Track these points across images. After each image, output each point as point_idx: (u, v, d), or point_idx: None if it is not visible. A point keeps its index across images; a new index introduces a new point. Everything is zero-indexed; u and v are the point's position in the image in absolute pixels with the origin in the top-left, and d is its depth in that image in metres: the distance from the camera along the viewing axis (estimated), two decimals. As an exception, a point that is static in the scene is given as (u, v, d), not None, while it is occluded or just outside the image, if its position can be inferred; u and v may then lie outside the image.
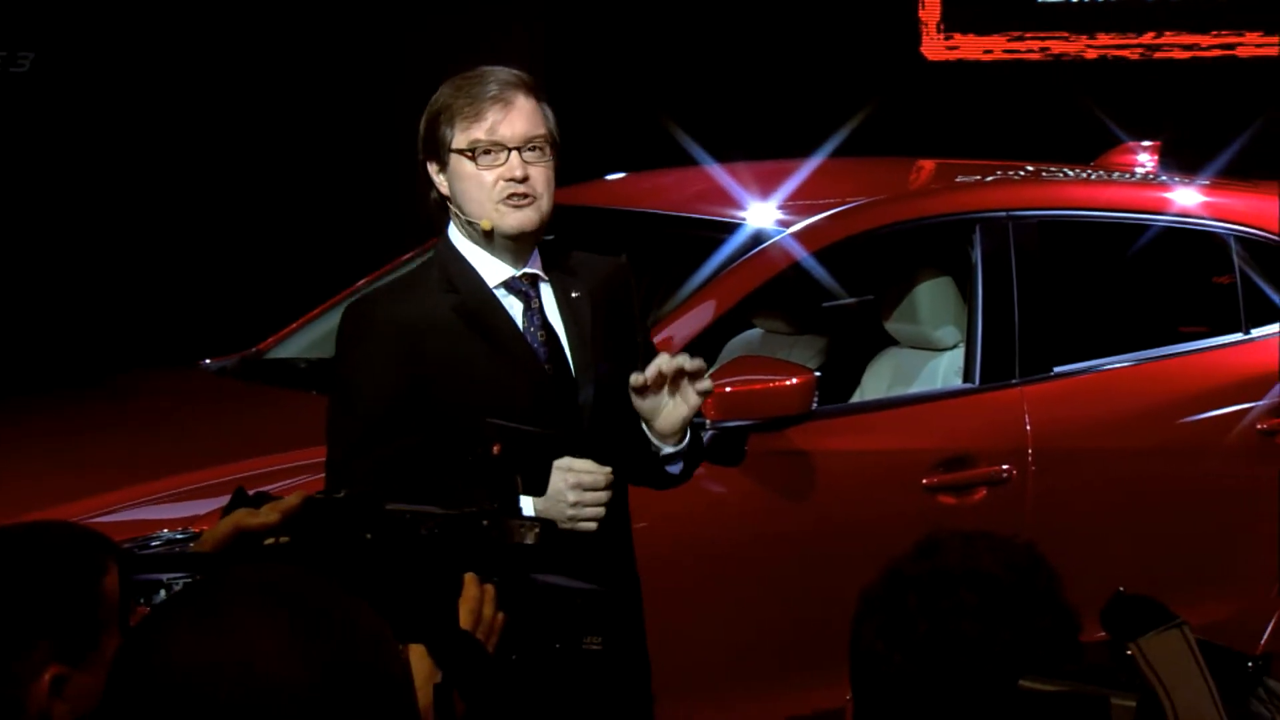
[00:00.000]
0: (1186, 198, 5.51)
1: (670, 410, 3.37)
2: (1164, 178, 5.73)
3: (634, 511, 4.82)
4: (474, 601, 2.13)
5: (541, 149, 3.42)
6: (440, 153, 3.43)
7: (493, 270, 3.45)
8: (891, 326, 5.40)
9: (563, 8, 9.38)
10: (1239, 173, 6.29)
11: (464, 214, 3.43)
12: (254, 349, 5.57)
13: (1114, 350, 5.30)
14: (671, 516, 4.74)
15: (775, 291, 5.20)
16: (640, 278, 6.12)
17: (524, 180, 3.39)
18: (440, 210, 3.50)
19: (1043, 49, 9.22)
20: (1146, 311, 5.81)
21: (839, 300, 5.96)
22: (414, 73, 8.86)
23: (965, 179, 5.75)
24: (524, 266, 3.46)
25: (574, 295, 3.49)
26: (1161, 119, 7.11)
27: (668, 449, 3.43)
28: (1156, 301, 5.88)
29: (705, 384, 3.36)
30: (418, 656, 2.10)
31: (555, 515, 3.25)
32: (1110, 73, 9.08)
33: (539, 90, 3.46)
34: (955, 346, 5.29)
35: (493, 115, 3.39)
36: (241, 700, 1.53)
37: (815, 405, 4.74)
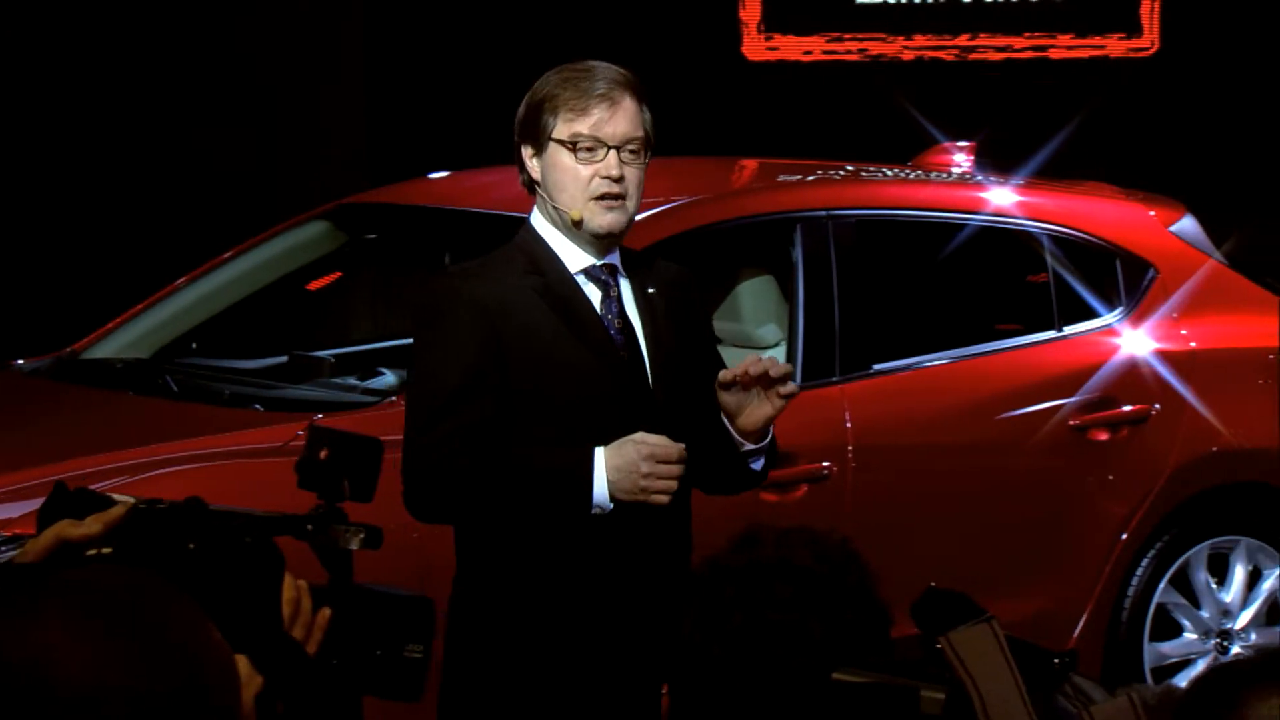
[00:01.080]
0: (1001, 197, 5.60)
1: (754, 409, 3.40)
2: (980, 178, 5.82)
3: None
4: (291, 597, 2.12)
5: (638, 151, 3.48)
6: (539, 139, 3.46)
7: (575, 258, 3.50)
8: (714, 325, 5.44)
9: (384, 3, 9.32)
10: (1053, 173, 6.41)
11: (554, 201, 3.47)
12: (69, 349, 5.47)
13: (932, 348, 5.37)
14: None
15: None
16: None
17: (619, 180, 3.44)
18: (529, 192, 3.55)
19: (861, 50, 9.32)
20: (963, 310, 5.90)
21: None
22: (234, 71, 8.75)
23: (786, 178, 5.80)
24: (604, 258, 3.51)
25: (650, 290, 3.55)
26: (977, 120, 7.22)
27: (749, 446, 3.45)
28: (973, 300, 5.97)
29: (790, 387, 3.39)
30: (241, 662, 2.08)
31: (627, 487, 3.30)
32: (927, 74, 9.21)
33: (644, 92, 3.51)
34: (777, 344, 5.34)
35: (598, 112, 3.43)
36: (31, 703, 1.50)
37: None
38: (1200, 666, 5.40)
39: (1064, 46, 9.19)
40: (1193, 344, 5.49)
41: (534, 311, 3.42)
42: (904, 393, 5.23)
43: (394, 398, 4.74)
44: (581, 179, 3.42)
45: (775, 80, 9.29)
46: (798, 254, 5.15)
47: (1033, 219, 5.53)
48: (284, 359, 5.47)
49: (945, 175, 5.87)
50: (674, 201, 5.18)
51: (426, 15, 9.30)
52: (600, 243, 3.47)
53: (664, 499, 3.31)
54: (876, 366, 5.20)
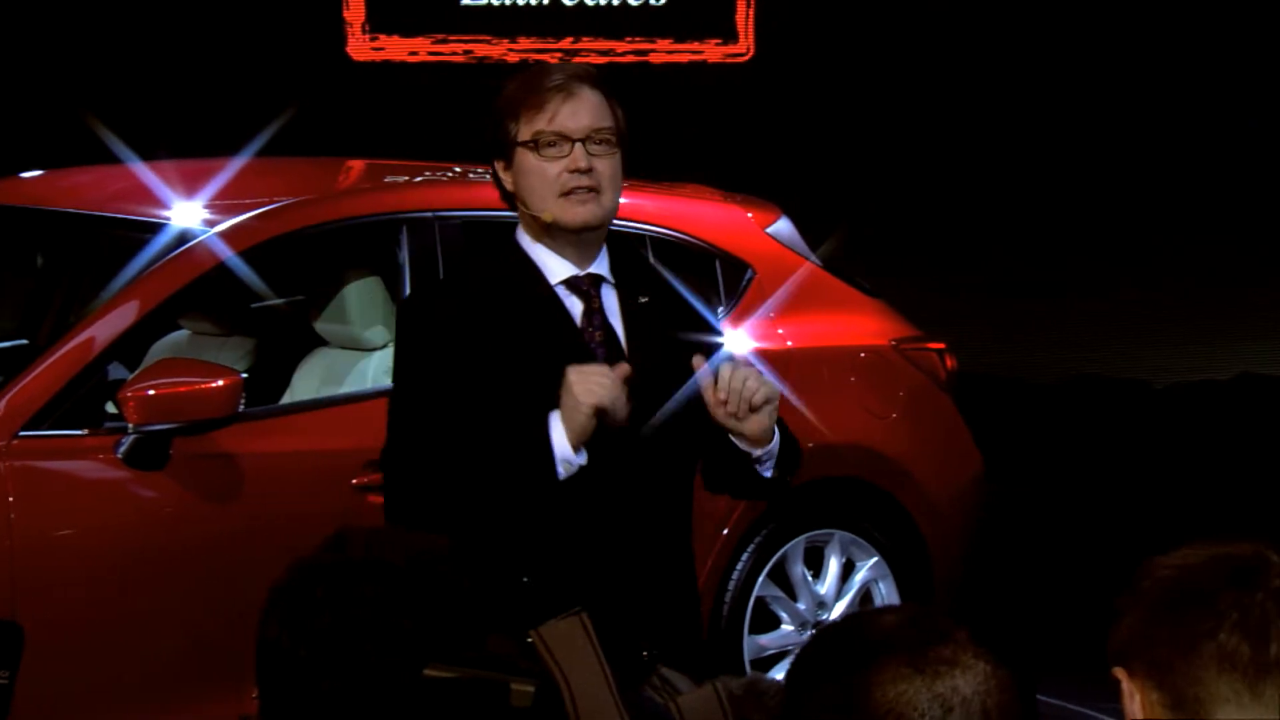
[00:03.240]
0: (605, 199, 5.66)
1: (747, 419, 3.24)
2: (584, 180, 5.86)
3: (59, 519, 4.64)
4: None
5: (608, 141, 3.32)
6: (506, 148, 3.34)
7: (556, 268, 3.35)
8: (321, 327, 5.37)
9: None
10: (654, 175, 6.51)
11: (527, 208, 3.32)
12: None
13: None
14: (97, 528, 4.59)
15: (201, 292, 5.09)
16: (60, 280, 5.92)
17: (588, 172, 3.28)
18: (510, 208, 3.40)
19: (466, 51, 9.34)
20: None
21: (267, 301, 5.89)
22: None
23: (393, 179, 5.76)
24: (589, 266, 3.37)
25: (641, 300, 3.39)
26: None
27: (756, 451, 3.29)
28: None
29: (765, 391, 3.21)
30: None
31: (570, 407, 3.17)
32: (532, 77, 9.27)
33: (605, 83, 3.34)
34: (385, 346, 5.29)
35: (555, 105, 3.29)
36: None
37: (242, 407, 4.67)
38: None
39: (664, 51, 9.36)
40: (789, 343, 5.63)
41: (510, 328, 3.30)
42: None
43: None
44: (549, 176, 3.30)
45: (381, 81, 9.24)
46: (404, 255, 5.12)
47: (633, 220, 5.59)
48: None
49: (550, 177, 5.89)
50: (278, 202, 5.10)
51: (12, 14, 8.97)
52: (579, 243, 3.34)
53: (602, 398, 3.15)
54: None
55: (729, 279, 5.66)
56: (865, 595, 5.72)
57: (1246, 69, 8.84)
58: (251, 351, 5.65)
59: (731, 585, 5.47)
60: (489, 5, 9.26)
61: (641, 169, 6.50)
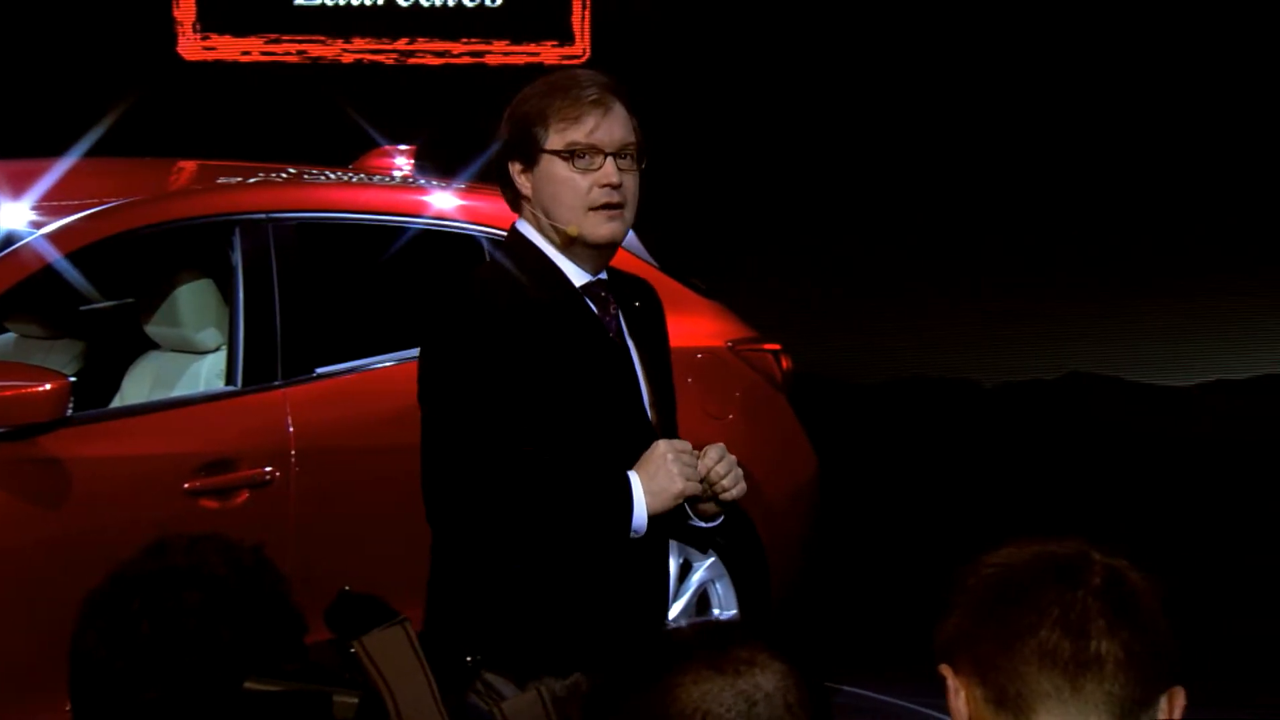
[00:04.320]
0: (443, 201, 5.65)
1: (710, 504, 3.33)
2: (421, 181, 5.85)
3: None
4: None
5: (633, 157, 3.34)
6: (529, 153, 3.32)
7: (575, 275, 3.36)
8: (152, 330, 5.31)
9: None
10: (491, 177, 6.49)
11: (549, 217, 3.30)
12: None
13: (376, 351, 5.38)
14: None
15: (28, 294, 5.01)
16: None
17: (618, 188, 3.28)
18: (514, 209, 3.35)
19: (300, 51, 9.26)
20: (407, 313, 5.91)
21: (97, 303, 5.81)
22: None
23: (226, 180, 5.70)
24: (599, 274, 3.39)
25: (635, 306, 3.41)
26: (417, 123, 7.27)
27: (697, 523, 3.35)
28: (417, 303, 5.99)
29: (734, 493, 3.30)
30: None
31: (660, 489, 3.20)
32: (367, 77, 9.22)
33: (633, 98, 3.34)
34: (217, 349, 5.24)
35: (593, 119, 3.30)
36: None
37: (70, 411, 4.61)
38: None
39: (500, 53, 9.35)
40: (627, 344, 5.66)
41: (550, 325, 3.28)
42: (348, 396, 5.22)
43: None
44: (579, 189, 3.30)
45: (213, 81, 9.13)
46: (237, 257, 5.08)
47: (474, 222, 5.59)
48: None
49: (387, 178, 5.88)
50: (108, 203, 5.03)
51: None
52: (594, 256, 3.35)
53: (697, 487, 3.25)
54: (319, 370, 5.17)
55: (566, 281, 5.67)
56: (702, 596, 5.75)
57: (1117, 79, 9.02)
58: (80, 354, 5.57)
59: (569, 587, 5.47)
60: (323, 5, 9.19)
61: (481, 171, 6.51)
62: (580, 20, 9.39)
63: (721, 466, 3.28)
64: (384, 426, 5.24)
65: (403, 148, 6.15)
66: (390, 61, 9.32)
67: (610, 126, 3.31)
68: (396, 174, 5.98)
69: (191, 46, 9.19)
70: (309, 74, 9.20)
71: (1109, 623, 1.97)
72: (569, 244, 3.33)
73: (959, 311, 9.65)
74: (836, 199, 9.40)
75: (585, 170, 3.30)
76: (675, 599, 5.69)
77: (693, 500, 3.31)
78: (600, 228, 3.31)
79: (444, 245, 5.71)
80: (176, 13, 9.12)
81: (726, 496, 3.29)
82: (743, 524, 5.69)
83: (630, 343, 3.40)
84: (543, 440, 3.24)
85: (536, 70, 9.52)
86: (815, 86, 9.19)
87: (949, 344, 9.59)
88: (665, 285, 5.85)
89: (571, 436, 3.27)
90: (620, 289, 3.44)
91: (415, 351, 5.39)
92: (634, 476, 3.23)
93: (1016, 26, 9.09)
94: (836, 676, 6.10)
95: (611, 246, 3.36)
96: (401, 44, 9.31)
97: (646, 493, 3.21)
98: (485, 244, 5.57)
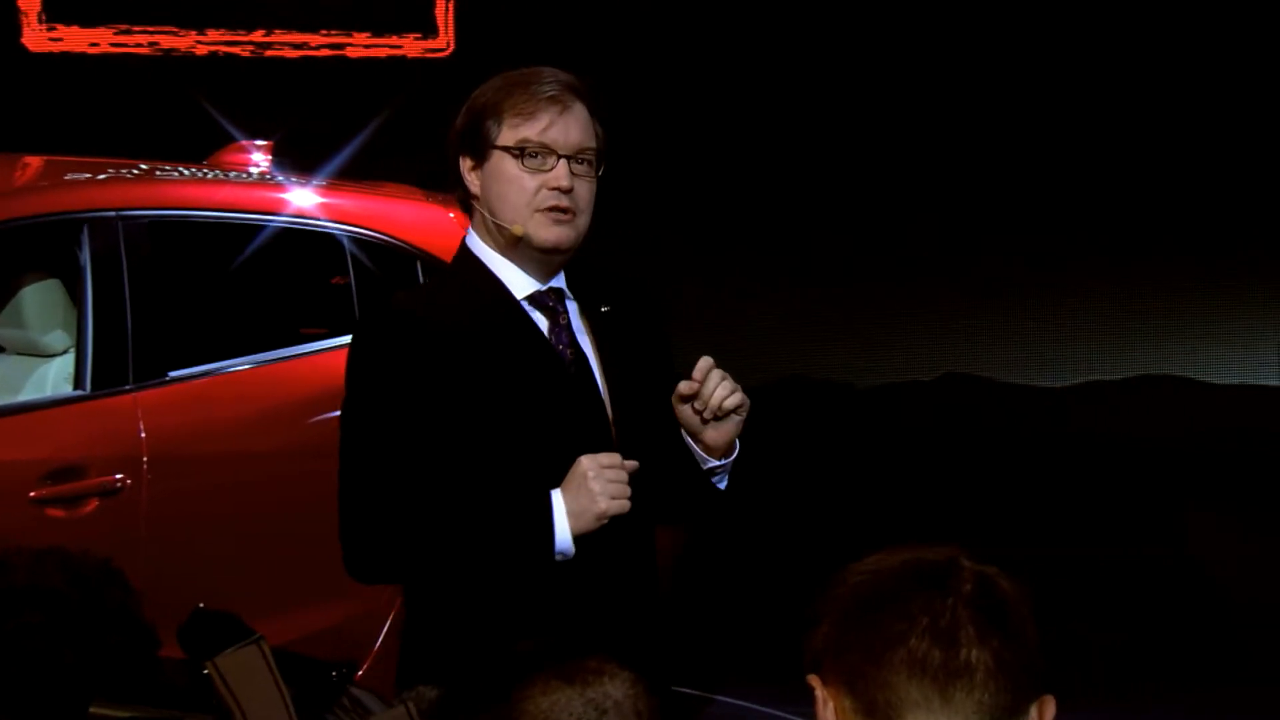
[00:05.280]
0: (302, 198, 5.62)
1: (717, 424, 3.21)
2: (279, 178, 5.82)
3: None
4: None
5: (590, 162, 3.26)
6: (480, 148, 3.25)
7: (518, 283, 3.26)
8: (-6, 333, 5.24)
9: None
10: (352, 173, 6.47)
11: (494, 216, 3.21)
12: None
13: (233, 353, 5.34)
14: None
15: None
16: None
17: (568, 192, 3.18)
18: (464, 211, 3.27)
19: (151, 43, 9.16)
20: (265, 313, 5.88)
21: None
22: None
23: (75, 177, 5.63)
24: (550, 281, 3.29)
25: (603, 310, 3.33)
26: (275, 118, 7.22)
27: (712, 462, 3.24)
28: (275, 303, 5.96)
29: (736, 399, 3.19)
30: None
31: (581, 509, 3.09)
32: (222, 69, 9.14)
33: (598, 99, 3.24)
34: (65, 352, 5.18)
35: (547, 116, 3.21)
36: None
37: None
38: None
39: (361, 45, 9.29)
40: (493, 346, 5.65)
41: (476, 341, 3.19)
42: (203, 400, 5.18)
43: None
44: (527, 190, 3.21)
45: (60, 73, 9.01)
46: (85, 256, 5.03)
47: (334, 220, 5.57)
48: None
49: (243, 175, 5.83)
50: (-52, 201, 4.96)
51: None
52: (545, 261, 3.26)
53: (622, 505, 3.13)
54: (173, 374, 5.13)
55: (430, 280, 5.66)
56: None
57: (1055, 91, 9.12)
58: (-81, 358, 5.49)
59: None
60: (176, -6, 9.10)
61: (342, 167, 6.47)
62: (444, 13, 9.36)
63: (711, 379, 3.18)
64: (241, 432, 5.20)
65: (260, 143, 6.11)
66: (246, 54, 9.23)
67: (566, 127, 3.24)
68: (253, 170, 5.93)
69: (37, 37, 9.05)
70: (161, 66, 9.10)
71: (979, 631, 2.00)
72: (514, 246, 3.24)
73: (837, 312, 9.71)
74: (708, 198, 9.43)
75: (535, 170, 3.22)
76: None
77: (695, 430, 3.21)
78: (546, 231, 3.23)
79: (303, 244, 5.67)
80: (21, 2, 8.99)
81: (728, 403, 3.18)
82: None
83: (591, 352, 3.30)
84: (461, 462, 3.17)
85: (399, 64, 9.50)
86: (683, 81, 9.21)
87: (826, 344, 9.64)
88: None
89: (496, 456, 3.19)
90: (588, 294, 3.34)
91: (273, 354, 5.41)
92: (556, 496, 3.14)
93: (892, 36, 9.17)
94: (709, 686, 6.13)
95: (560, 253, 3.26)
96: (258, 35, 9.23)
97: (568, 513, 3.12)
98: (346, 243, 5.55)
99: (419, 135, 9.08)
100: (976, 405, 8.94)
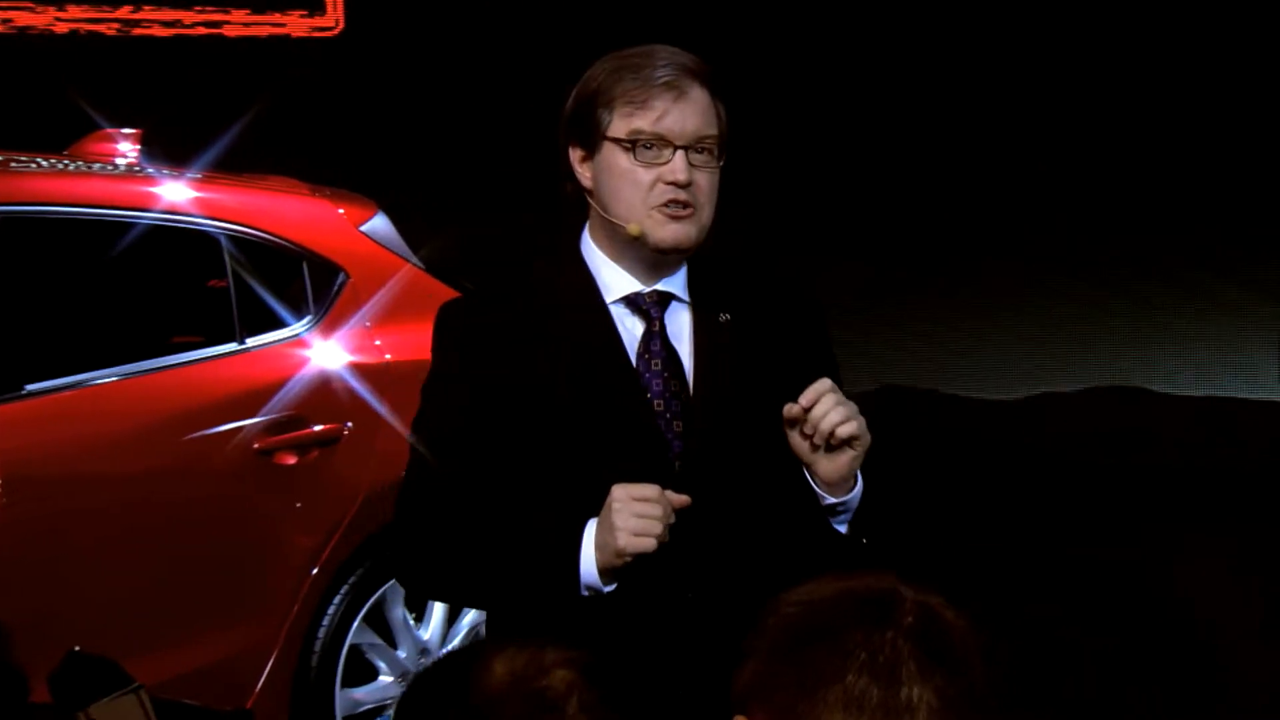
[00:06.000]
0: (175, 193, 5.58)
1: (830, 454, 3.09)
2: (149, 170, 5.78)
3: None
4: None
5: (711, 151, 3.18)
6: (591, 138, 3.20)
7: (618, 282, 3.22)
8: None
9: None
10: (231, 166, 6.43)
11: (608, 213, 3.19)
12: None
13: (98, 364, 5.30)
14: None
15: None
16: None
17: (686, 186, 3.15)
18: (577, 205, 3.21)
19: (5, 20, 9.09)
20: (134, 320, 5.84)
21: None
22: None
23: (-81, 168, 5.59)
24: (657, 282, 3.22)
25: (721, 319, 3.24)
26: (144, 103, 7.18)
27: (829, 500, 3.13)
28: (145, 309, 5.92)
29: (849, 428, 3.05)
30: None
31: (604, 544, 3.01)
32: (85, 50, 9.08)
33: (718, 81, 3.17)
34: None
35: (662, 104, 3.15)
36: None
37: None
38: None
39: (240, 23, 9.25)
40: (387, 355, 5.63)
41: (547, 347, 3.15)
42: (64, 416, 5.14)
43: None
44: (641, 185, 3.17)
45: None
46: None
47: (210, 217, 5.54)
48: None
49: (109, 167, 5.80)
50: None
51: None
52: (662, 262, 3.21)
53: (646, 544, 3.00)
54: (30, 387, 5.08)
55: (318, 283, 5.64)
56: (475, 639, 5.75)
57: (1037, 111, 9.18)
58: None
59: (322, 633, 5.44)
60: (34, -34, 9.03)
61: (219, 159, 6.44)
62: (332, -14, 9.32)
63: (823, 403, 3.06)
64: (107, 451, 5.17)
65: (127, 131, 6.07)
66: (111, 32, 9.18)
67: (683, 115, 3.18)
68: (120, 162, 5.89)
69: (-122, 14, 8.98)
70: (16, 46, 9.03)
71: (921, 666, 2.00)
72: (630, 245, 3.21)
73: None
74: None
75: (650, 164, 3.18)
76: (445, 644, 5.68)
77: (809, 459, 3.09)
78: (663, 229, 3.18)
79: (176, 243, 5.64)
80: None
81: (842, 432, 3.06)
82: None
83: (690, 364, 3.22)
84: (512, 479, 3.14)
85: (282, 44, 9.46)
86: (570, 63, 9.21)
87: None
88: (431, 288, 5.86)
89: (545, 474, 3.15)
90: (712, 294, 3.27)
91: (142, 365, 5.37)
92: (590, 527, 3.07)
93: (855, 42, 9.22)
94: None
95: (680, 252, 3.22)
96: (124, 12, 9.17)
97: (596, 546, 3.05)
98: (225, 242, 5.51)
99: (305, 123, 9.06)
100: (917, 417, 9.00)
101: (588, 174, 3.24)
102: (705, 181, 3.20)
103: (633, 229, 3.18)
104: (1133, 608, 7.10)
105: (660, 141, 3.17)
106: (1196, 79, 8.78)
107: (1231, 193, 8.87)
